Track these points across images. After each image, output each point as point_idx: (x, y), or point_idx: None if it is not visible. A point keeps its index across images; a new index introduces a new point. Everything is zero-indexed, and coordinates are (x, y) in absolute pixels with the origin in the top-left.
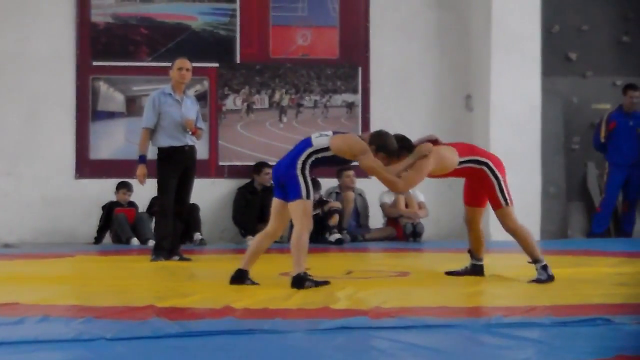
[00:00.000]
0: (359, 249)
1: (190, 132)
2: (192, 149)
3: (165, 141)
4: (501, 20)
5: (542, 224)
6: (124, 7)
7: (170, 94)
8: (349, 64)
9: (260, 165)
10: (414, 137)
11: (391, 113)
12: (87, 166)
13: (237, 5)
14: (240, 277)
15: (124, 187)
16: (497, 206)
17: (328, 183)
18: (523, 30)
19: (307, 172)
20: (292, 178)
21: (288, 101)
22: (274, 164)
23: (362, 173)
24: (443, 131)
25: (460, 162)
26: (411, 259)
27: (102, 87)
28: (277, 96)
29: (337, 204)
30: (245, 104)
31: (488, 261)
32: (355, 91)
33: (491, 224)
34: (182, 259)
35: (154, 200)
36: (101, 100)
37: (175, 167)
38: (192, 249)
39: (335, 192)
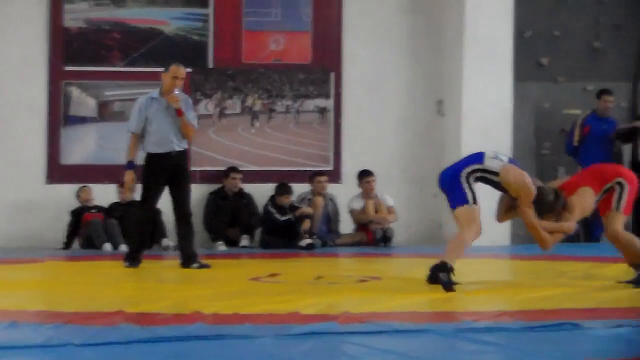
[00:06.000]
0: (330, 254)
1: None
2: (180, 154)
3: (151, 147)
4: (473, 25)
5: (512, 228)
6: (97, 12)
7: (157, 99)
8: (322, 69)
9: (229, 171)
10: (386, 141)
11: (363, 118)
12: (58, 171)
13: (210, 10)
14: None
15: (84, 186)
16: (608, 208)
17: (300, 188)
18: (495, 35)
19: (472, 181)
20: (457, 185)
21: (260, 106)
22: (243, 169)
23: (334, 178)
24: (414, 136)
25: (596, 200)
26: (381, 264)
27: (74, 92)
28: (249, 101)
29: (308, 210)
30: (218, 108)
31: (458, 265)
32: (327, 96)
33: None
34: (201, 266)
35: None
36: (73, 105)
37: (159, 175)
38: (165, 254)
39: (308, 198)
